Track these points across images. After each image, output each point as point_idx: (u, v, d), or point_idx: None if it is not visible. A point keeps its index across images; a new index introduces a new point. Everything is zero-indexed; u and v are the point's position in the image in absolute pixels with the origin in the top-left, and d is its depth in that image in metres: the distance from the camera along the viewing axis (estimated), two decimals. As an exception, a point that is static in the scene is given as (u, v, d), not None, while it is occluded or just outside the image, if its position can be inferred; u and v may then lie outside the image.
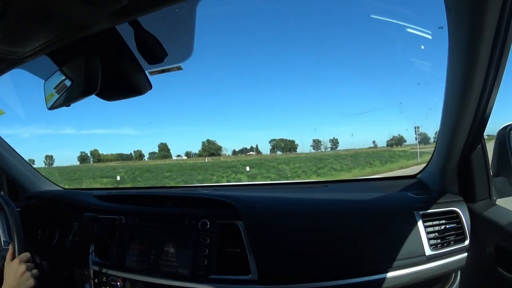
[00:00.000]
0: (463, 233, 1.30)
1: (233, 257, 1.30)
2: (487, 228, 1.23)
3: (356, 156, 27.62)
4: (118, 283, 1.46)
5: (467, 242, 1.29)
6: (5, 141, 2.20)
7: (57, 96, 1.28)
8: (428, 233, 1.27)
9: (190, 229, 1.40)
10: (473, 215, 1.31)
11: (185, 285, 1.31)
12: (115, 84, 1.15)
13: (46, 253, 1.74)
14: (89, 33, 1.04)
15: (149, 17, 1.04)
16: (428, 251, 1.25)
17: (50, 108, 1.28)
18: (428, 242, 1.26)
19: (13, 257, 1.47)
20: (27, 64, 1.33)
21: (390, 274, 1.22)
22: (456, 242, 1.29)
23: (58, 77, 1.27)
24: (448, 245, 1.28)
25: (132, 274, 1.44)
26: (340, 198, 1.44)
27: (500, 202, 1.40)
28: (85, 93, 1.10)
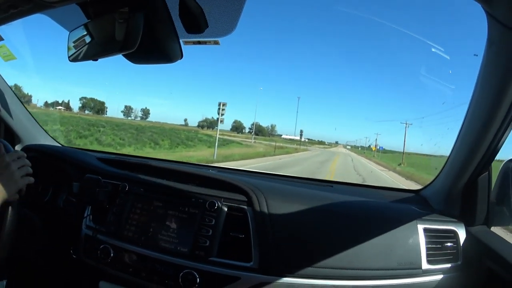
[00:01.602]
0: (457, 253, 1.32)
1: (236, 243, 1.28)
2: (481, 251, 1.25)
3: (143, 131, 26.21)
4: (111, 252, 1.39)
5: (459, 262, 1.32)
6: (10, 89, 2.13)
7: (78, 49, 1.24)
8: (427, 247, 1.29)
9: (196, 207, 1.36)
10: (469, 237, 1.33)
11: (183, 263, 1.28)
12: (146, 47, 1.07)
13: (36, 209, 1.71)
14: None
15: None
16: (424, 265, 1.26)
17: (72, 60, 1.23)
18: (426, 256, 1.28)
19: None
20: (53, 11, 1.27)
21: (386, 282, 1.23)
22: (450, 260, 1.31)
23: (83, 31, 1.24)
24: (443, 262, 1.30)
25: (128, 244, 1.39)
26: (347, 200, 1.44)
27: (495, 229, 1.44)
28: (122, 49, 1.05)
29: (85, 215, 1.57)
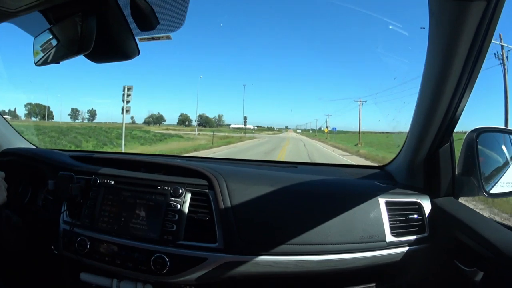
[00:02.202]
0: (423, 224, 1.36)
1: (201, 225, 1.35)
2: (448, 222, 1.29)
3: (67, 133, 25.48)
4: (88, 243, 1.47)
5: (426, 234, 1.35)
6: None
7: (45, 53, 1.28)
8: (390, 220, 1.33)
9: (162, 194, 1.42)
10: (435, 209, 1.37)
11: (153, 248, 1.34)
12: (104, 47, 1.14)
13: (17, 211, 1.78)
14: None
15: (144, -17, 0.95)
16: (389, 238, 1.30)
17: (38, 64, 1.28)
18: (390, 229, 1.31)
19: None
20: (17, 18, 1.31)
21: (350, 256, 1.28)
22: (416, 232, 1.35)
23: (48, 35, 1.27)
24: (408, 234, 1.33)
25: (102, 234, 1.46)
26: (310, 179, 1.48)
27: (462, 200, 1.46)
28: (78, 52, 1.10)
29: (62, 210, 1.63)
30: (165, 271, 1.31)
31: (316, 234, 1.27)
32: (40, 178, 1.89)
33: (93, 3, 1.10)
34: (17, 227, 1.70)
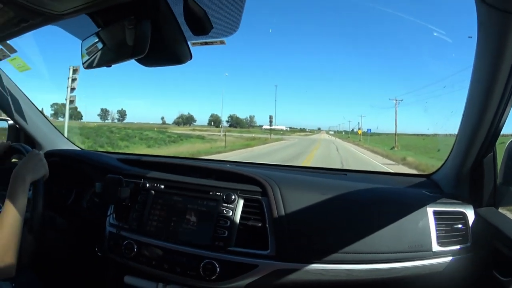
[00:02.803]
0: (467, 234, 1.36)
1: (253, 232, 1.36)
2: (488, 232, 1.29)
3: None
4: (135, 247, 1.48)
5: (469, 244, 1.35)
6: (26, 97, 2.23)
7: (91, 56, 1.30)
8: (437, 230, 1.33)
9: (214, 200, 1.43)
10: (478, 219, 1.37)
11: (203, 253, 1.36)
12: (156, 51, 1.14)
13: (60, 211, 1.81)
14: None
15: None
16: (435, 247, 1.30)
17: (85, 67, 1.30)
18: (436, 239, 1.31)
19: None
20: (63, 21, 1.31)
21: (399, 265, 1.28)
22: (459, 242, 1.35)
23: (96, 38, 1.29)
24: (452, 244, 1.33)
25: (151, 238, 1.47)
26: (360, 187, 1.48)
27: (502, 210, 1.47)
28: (132, 55, 1.10)
29: (108, 213, 1.65)
30: (214, 277, 1.32)
31: (366, 243, 1.27)
32: (85, 180, 1.91)
33: (144, 7, 1.10)
34: (60, 228, 1.73)
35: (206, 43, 1.39)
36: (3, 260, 1.18)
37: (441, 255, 1.32)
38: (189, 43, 1.18)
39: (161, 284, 1.47)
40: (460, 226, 1.36)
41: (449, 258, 1.32)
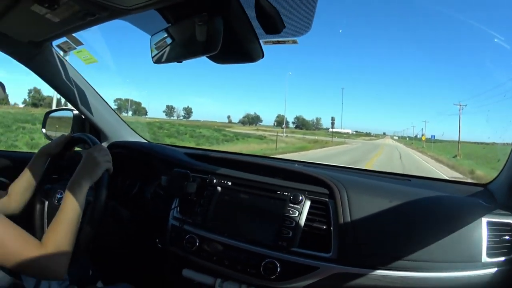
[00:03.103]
0: None
1: (316, 234, 1.39)
2: None
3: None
4: (197, 241, 1.56)
5: None
6: (93, 88, 2.32)
7: (160, 51, 1.34)
8: (488, 241, 1.33)
9: (281, 200, 1.49)
10: None
11: (266, 252, 1.41)
12: (229, 48, 1.14)
13: (123, 202, 1.90)
14: None
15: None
16: (484, 258, 1.30)
17: (155, 62, 1.35)
18: (486, 250, 1.32)
19: None
20: (131, 16, 1.38)
21: (450, 274, 1.29)
22: (505, 254, 1.34)
23: (164, 34, 1.31)
24: (499, 255, 1.33)
25: (214, 234, 1.55)
26: (423, 194, 1.49)
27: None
28: (205, 52, 1.14)
29: (173, 206, 1.73)
30: (274, 276, 1.36)
31: (424, 251, 1.30)
32: (150, 172, 2.02)
33: (215, 4, 1.11)
34: (123, 219, 1.82)
35: (278, 42, 1.46)
36: (55, 260, 1.22)
37: (488, 266, 1.32)
38: (261, 41, 1.19)
39: (219, 280, 1.53)
40: (507, 237, 1.36)
41: (494, 270, 1.32)
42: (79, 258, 1.77)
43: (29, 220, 1.74)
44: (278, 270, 1.36)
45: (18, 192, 1.68)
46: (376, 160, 21.38)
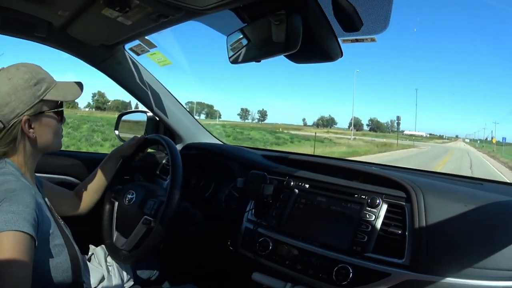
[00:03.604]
0: None
1: (390, 238, 1.44)
2: None
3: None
4: (270, 245, 1.63)
5: None
6: (167, 90, 2.48)
7: (236, 51, 1.37)
8: None
9: (358, 203, 1.56)
10: None
11: (339, 257, 1.46)
12: (307, 47, 1.17)
13: (197, 203, 2.00)
14: None
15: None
16: None
17: (232, 62, 1.39)
18: None
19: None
20: (205, 17, 1.42)
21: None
22: None
23: (240, 34, 1.34)
24: None
25: (288, 238, 1.62)
26: (498, 199, 1.46)
27: None
28: (284, 50, 1.15)
29: (247, 209, 1.85)
30: (346, 282, 1.41)
31: (494, 259, 1.28)
32: (226, 174, 2.15)
33: (291, 2, 1.12)
34: (196, 220, 1.90)
35: (356, 40, 1.55)
36: None
37: None
38: (339, 40, 1.21)
39: (289, 284, 1.59)
40: None
41: None
42: (149, 258, 1.86)
43: (97, 219, 1.85)
44: (350, 276, 1.41)
45: (87, 193, 1.90)
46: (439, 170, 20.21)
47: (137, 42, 2.13)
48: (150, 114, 2.58)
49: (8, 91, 1.33)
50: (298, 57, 1.29)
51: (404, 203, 1.48)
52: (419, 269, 1.34)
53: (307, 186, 1.73)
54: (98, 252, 1.88)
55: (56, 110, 1.50)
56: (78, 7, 1.60)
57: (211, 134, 2.70)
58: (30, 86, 1.37)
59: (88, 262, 1.80)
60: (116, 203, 1.93)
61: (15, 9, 1.72)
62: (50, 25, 1.89)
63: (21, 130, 1.42)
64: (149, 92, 2.41)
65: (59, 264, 1.38)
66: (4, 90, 1.34)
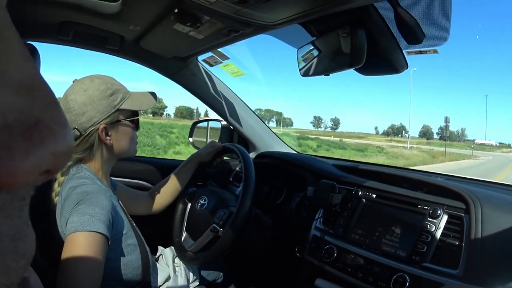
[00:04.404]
0: None
1: (446, 249, 1.50)
2: None
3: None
4: (335, 252, 1.76)
5: None
6: (241, 100, 2.70)
7: (307, 64, 1.52)
8: None
9: (421, 214, 1.66)
10: None
11: (398, 266, 1.55)
12: (373, 59, 1.27)
13: (268, 211, 2.23)
14: (348, 7, 1.17)
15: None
16: None
17: (302, 75, 1.54)
18: None
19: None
20: (276, 31, 1.52)
21: None
22: None
23: (310, 47, 1.47)
24: None
25: (352, 246, 1.76)
26: None
27: None
28: (351, 65, 1.25)
29: (316, 217, 2.01)
30: None
31: None
32: (297, 182, 2.35)
33: (356, 16, 1.21)
34: (266, 227, 2.08)
35: (420, 52, 1.63)
36: None
37: None
38: (404, 52, 1.31)
39: None
40: None
41: None
42: (218, 261, 2.04)
43: (167, 222, 2.03)
44: (407, 284, 1.51)
45: (161, 195, 2.15)
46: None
47: (210, 53, 2.29)
48: (224, 122, 2.79)
49: (84, 101, 1.51)
50: (366, 70, 1.37)
51: (463, 214, 1.56)
52: (472, 281, 1.41)
53: (374, 196, 1.86)
54: (166, 253, 2.10)
55: (132, 119, 1.72)
56: (149, 22, 1.75)
57: (284, 143, 2.89)
58: (106, 96, 1.58)
59: (156, 262, 1.98)
60: (189, 205, 2.16)
61: (88, 24, 1.88)
62: (122, 38, 2.07)
63: (98, 138, 1.63)
64: (223, 102, 2.62)
65: (130, 262, 1.56)
66: (80, 100, 1.51)
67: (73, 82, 1.55)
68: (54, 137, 0.29)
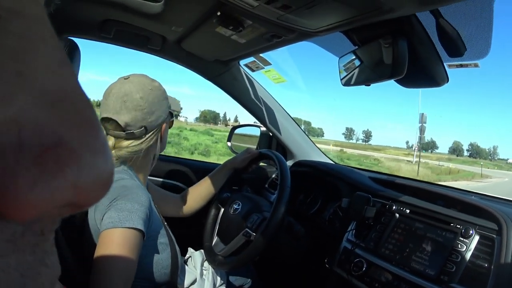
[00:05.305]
0: None
1: (474, 270, 1.52)
2: None
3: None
4: (364, 266, 1.81)
5: None
6: (282, 107, 2.82)
7: (348, 73, 1.57)
8: None
9: (452, 232, 1.69)
10: None
11: (425, 284, 1.58)
12: (413, 71, 1.31)
13: (302, 219, 2.30)
14: (390, 17, 1.20)
15: (448, 8, 1.15)
16: None
17: (343, 85, 1.61)
18: None
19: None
20: (319, 38, 1.58)
21: None
22: None
23: (352, 56, 1.53)
24: None
25: (382, 261, 1.80)
26: None
27: None
28: (392, 76, 1.30)
29: (349, 229, 2.06)
30: None
31: None
32: (333, 193, 2.44)
33: (398, 26, 1.26)
34: (298, 235, 2.15)
35: (461, 66, 1.63)
36: None
37: None
38: (445, 65, 1.36)
39: None
40: None
41: None
42: (247, 267, 2.13)
43: (198, 225, 2.15)
44: None
45: (194, 198, 2.26)
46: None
47: (252, 58, 2.39)
48: (263, 128, 2.90)
49: (153, 100, 1.61)
50: (406, 81, 1.42)
51: (495, 236, 1.57)
52: None
53: (408, 211, 1.89)
54: (195, 256, 2.20)
55: (173, 119, 1.92)
56: (191, 24, 1.83)
57: (323, 152, 2.97)
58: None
59: (184, 264, 2.08)
60: (222, 210, 2.24)
61: (130, 23, 1.98)
62: (164, 39, 2.16)
63: (159, 136, 1.75)
64: (263, 108, 2.72)
65: (160, 260, 1.63)
66: (150, 99, 1.59)
67: (125, 79, 1.57)
68: (79, 165, 0.25)
